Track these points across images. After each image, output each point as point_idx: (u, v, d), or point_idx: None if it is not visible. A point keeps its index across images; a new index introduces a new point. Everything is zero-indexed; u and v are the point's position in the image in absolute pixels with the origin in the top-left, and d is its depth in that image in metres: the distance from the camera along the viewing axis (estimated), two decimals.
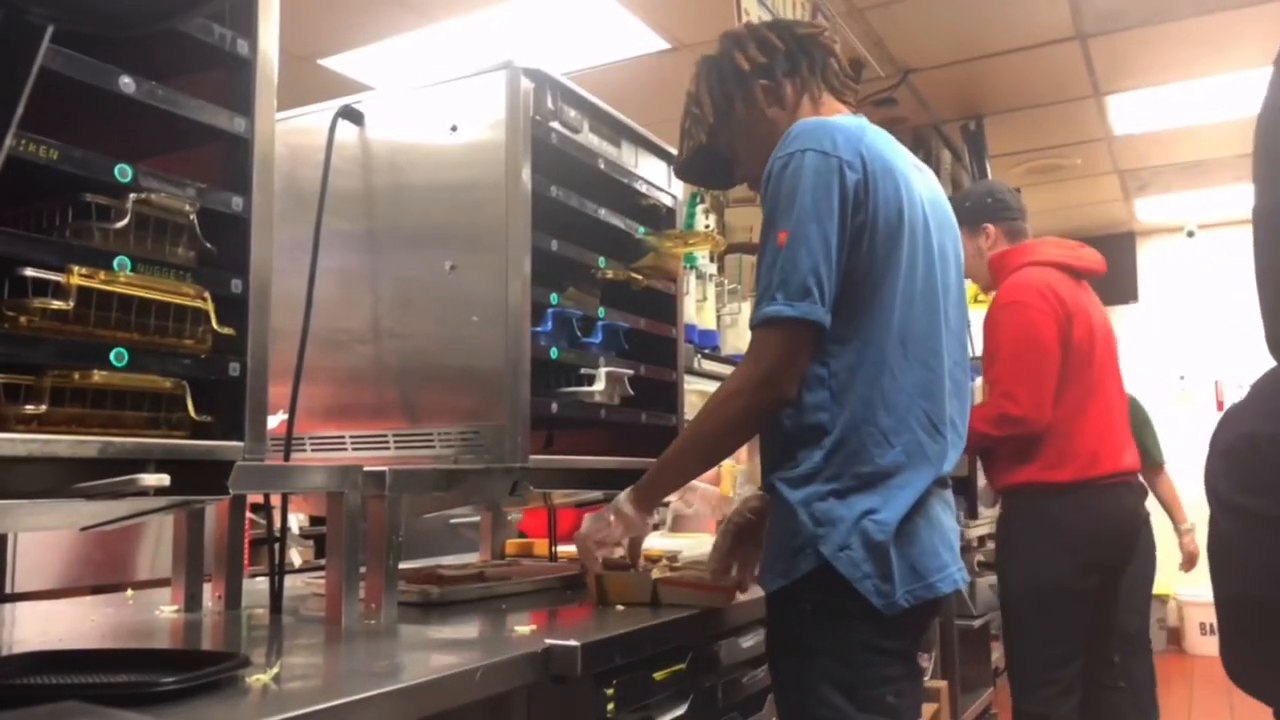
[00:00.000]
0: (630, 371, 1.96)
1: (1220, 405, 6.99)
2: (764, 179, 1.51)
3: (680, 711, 1.55)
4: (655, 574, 1.73)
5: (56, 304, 1.05)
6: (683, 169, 1.84)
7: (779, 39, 1.66)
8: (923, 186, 1.59)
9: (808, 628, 1.45)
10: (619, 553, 1.82)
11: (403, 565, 1.71)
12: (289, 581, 1.71)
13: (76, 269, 1.07)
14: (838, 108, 1.66)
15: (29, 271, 1.04)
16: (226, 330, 1.22)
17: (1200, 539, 6.64)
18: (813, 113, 1.63)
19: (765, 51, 1.65)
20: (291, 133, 1.82)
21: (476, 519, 2.68)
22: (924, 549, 1.47)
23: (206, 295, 1.21)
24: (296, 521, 3.64)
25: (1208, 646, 6.62)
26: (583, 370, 1.88)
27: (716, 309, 3.14)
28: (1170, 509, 4.31)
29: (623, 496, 1.64)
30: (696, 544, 2.52)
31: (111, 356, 1.11)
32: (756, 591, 1.85)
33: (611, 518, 1.64)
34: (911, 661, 1.51)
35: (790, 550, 1.46)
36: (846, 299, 1.46)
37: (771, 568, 1.50)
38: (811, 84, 1.65)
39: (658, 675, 1.51)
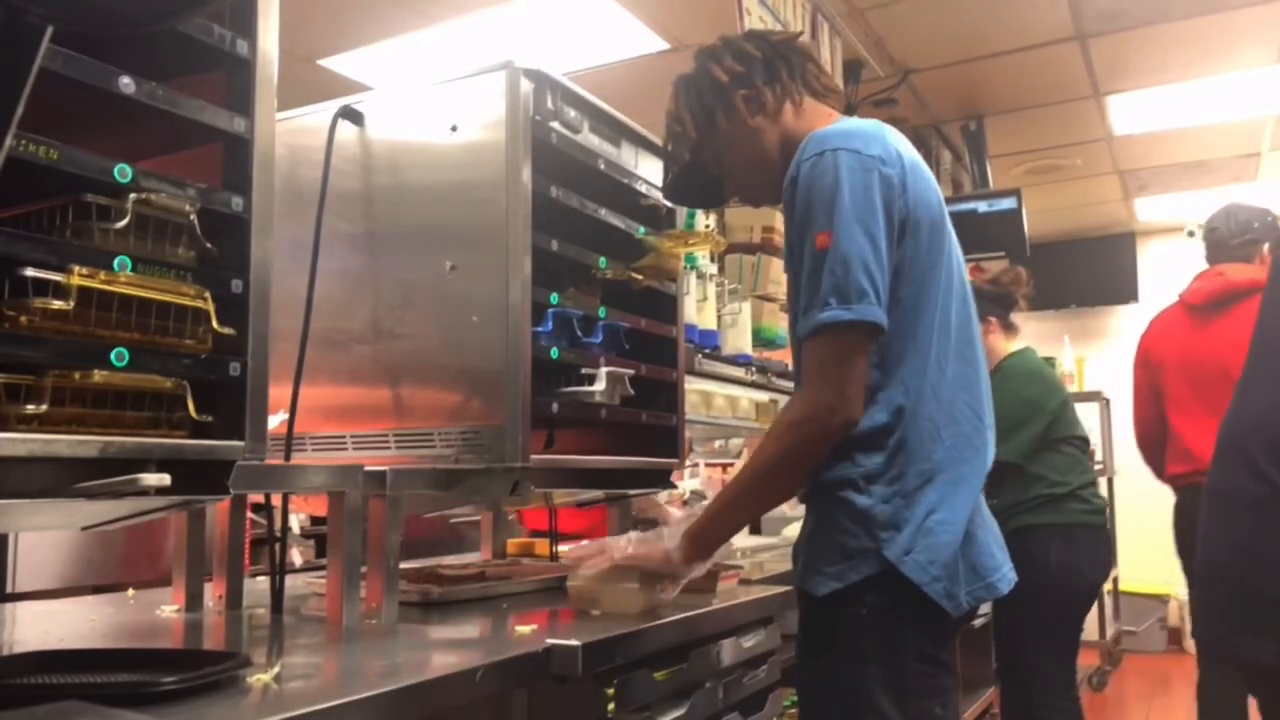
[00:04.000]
0: (631, 371, 1.96)
1: None
2: (788, 184, 1.47)
3: (681, 711, 1.55)
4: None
5: (57, 304, 1.05)
6: (671, 191, 1.78)
7: (755, 48, 1.62)
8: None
9: (863, 632, 1.40)
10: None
11: (403, 565, 1.71)
12: (289, 581, 1.71)
13: (77, 269, 1.07)
14: (823, 111, 1.63)
15: (29, 271, 1.04)
16: (227, 330, 1.22)
17: None
18: (795, 118, 1.59)
19: (742, 61, 1.60)
20: (291, 133, 1.82)
21: (477, 518, 2.68)
22: (981, 548, 1.47)
23: (207, 295, 1.21)
24: (297, 521, 3.64)
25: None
26: (583, 370, 1.88)
27: (717, 309, 3.14)
28: None
29: (677, 556, 1.52)
30: None
31: (112, 356, 1.11)
32: (758, 591, 1.85)
33: (666, 580, 1.55)
34: (952, 674, 1.49)
35: (847, 553, 1.41)
36: (897, 294, 1.43)
37: (821, 570, 1.43)
38: (792, 89, 1.60)
39: (658, 675, 1.51)
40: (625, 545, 1.57)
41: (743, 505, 1.54)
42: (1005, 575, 1.51)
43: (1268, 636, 1.44)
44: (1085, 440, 3.45)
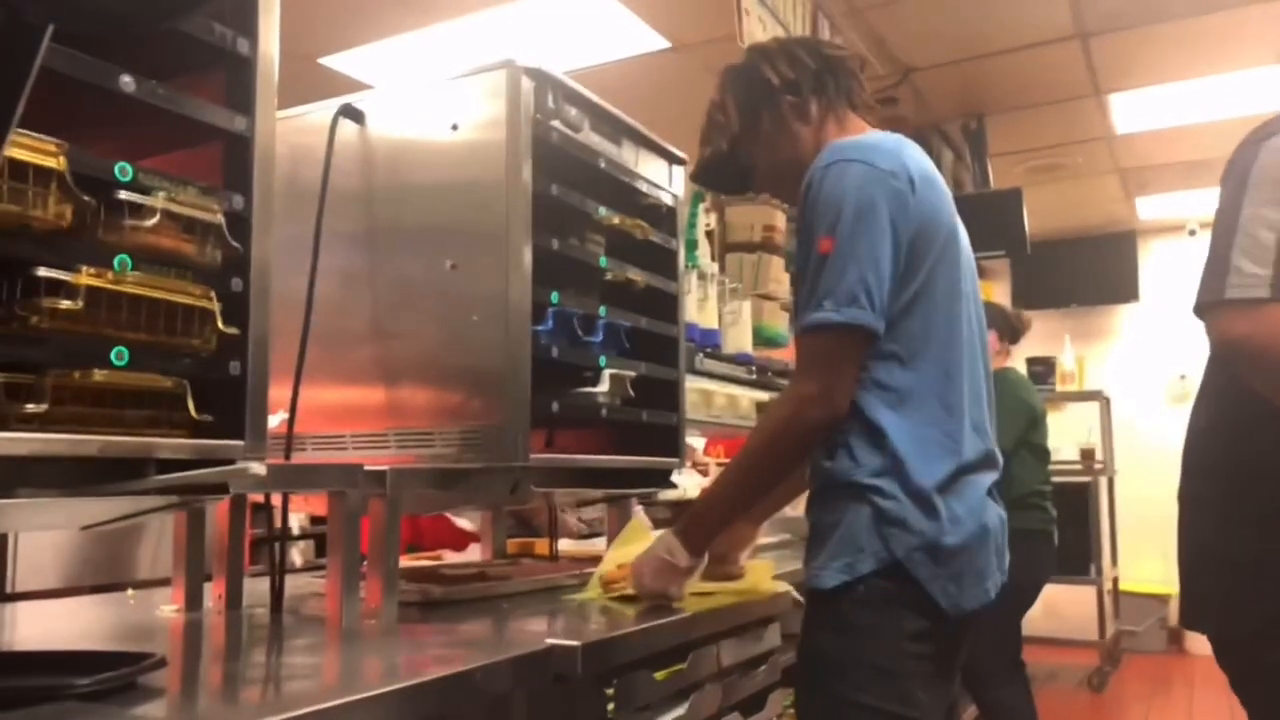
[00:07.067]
0: (633, 374, 1.96)
1: None
2: (804, 190, 1.53)
3: (680, 711, 1.55)
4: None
5: (66, 304, 1.05)
6: (700, 174, 1.86)
7: (809, 57, 1.69)
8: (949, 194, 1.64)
9: (859, 611, 1.45)
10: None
11: (403, 564, 1.71)
12: (289, 581, 1.71)
13: (85, 269, 1.07)
14: (863, 126, 1.69)
15: (40, 271, 1.04)
16: (231, 330, 1.22)
17: None
18: (837, 131, 1.66)
19: (794, 68, 1.67)
20: (292, 132, 1.82)
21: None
22: (987, 554, 1.51)
23: (212, 295, 1.20)
24: (296, 521, 3.63)
25: (1208, 646, 6.62)
26: (584, 370, 1.87)
27: (717, 308, 3.14)
28: None
29: (675, 546, 1.59)
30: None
31: (112, 356, 1.10)
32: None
33: (668, 573, 1.60)
34: (940, 664, 1.50)
35: (855, 548, 1.45)
36: (906, 303, 1.48)
37: (829, 565, 1.48)
38: (837, 104, 1.67)
39: (658, 675, 1.51)
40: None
41: (730, 497, 1.59)
42: (996, 580, 1.55)
43: None
44: (1048, 452, 3.98)
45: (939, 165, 5.20)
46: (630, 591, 1.68)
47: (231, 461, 1.22)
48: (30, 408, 1.05)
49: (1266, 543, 1.46)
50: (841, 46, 1.86)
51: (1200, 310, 1.38)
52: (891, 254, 1.46)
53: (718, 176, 1.84)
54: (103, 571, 2.79)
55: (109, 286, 1.09)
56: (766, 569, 1.92)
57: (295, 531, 3.71)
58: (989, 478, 1.55)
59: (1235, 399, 1.49)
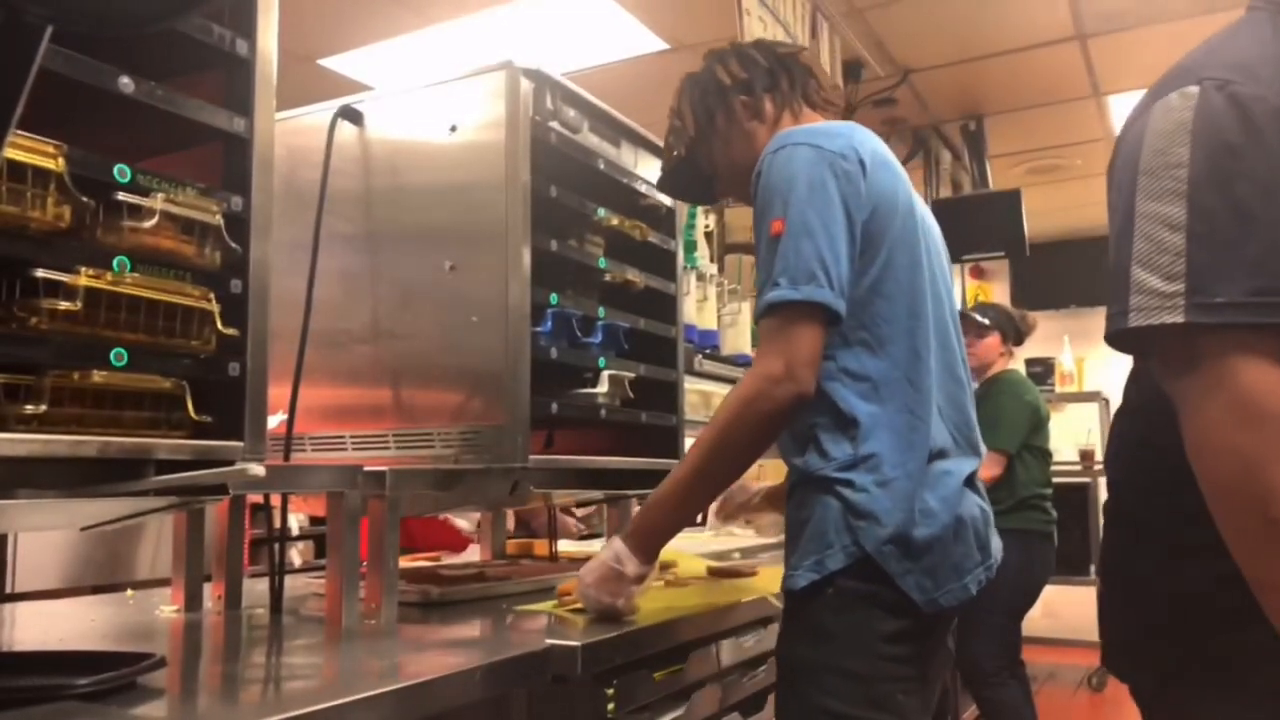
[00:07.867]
0: (632, 375, 1.96)
1: None
2: (754, 179, 1.50)
3: (680, 712, 1.56)
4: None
5: (64, 305, 1.05)
6: (664, 182, 1.84)
7: (761, 56, 1.68)
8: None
9: (830, 613, 1.39)
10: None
11: (402, 564, 1.71)
12: (289, 581, 1.71)
13: (84, 270, 1.07)
14: (818, 120, 1.66)
15: (39, 272, 1.04)
16: (231, 331, 1.22)
17: None
18: (793, 125, 1.63)
19: (746, 67, 1.67)
20: (291, 133, 1.82)
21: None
22: (966, 548, 1.45)
23: (212, 296, 1.20)
24: (297, 521, 3.63)
25: None
26: (584, 371, 1.88)
27: (716, 309, 3.15)
28: None
29: (622, 551, 1.48)
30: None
31: (111, 357, 1.10)
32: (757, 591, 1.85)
33: (614, 582, 1.49)
34: (921, 666, 1.44)
35: (824, 544, 1.40)
36: (869, 287, 1.44)
37: (799, 563, 1.42)
38: (791, 100, 1.66)
39: (658, 675, 1.51)
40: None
41: (688, 489, 1.47)
42: (977, 576, 1.47)
43: None
44: (1049, 454, 4.00)
45: (938, 166, 5.22)
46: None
47: (231, 462, 1.22)
48: (30, 408, 1.05)
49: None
50: (796, 46, 1.83)
51: (1111, 343, 1.10)
52: (846, 233, 1.41)
53: (680, 183, 1.81)
54: (103, 571, 2.80)
55: (108, 287, 1.09)
56: (779, 573, 1.90)
57: (295, 531, 3.71)
58: (966, 466, 1.49)
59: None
